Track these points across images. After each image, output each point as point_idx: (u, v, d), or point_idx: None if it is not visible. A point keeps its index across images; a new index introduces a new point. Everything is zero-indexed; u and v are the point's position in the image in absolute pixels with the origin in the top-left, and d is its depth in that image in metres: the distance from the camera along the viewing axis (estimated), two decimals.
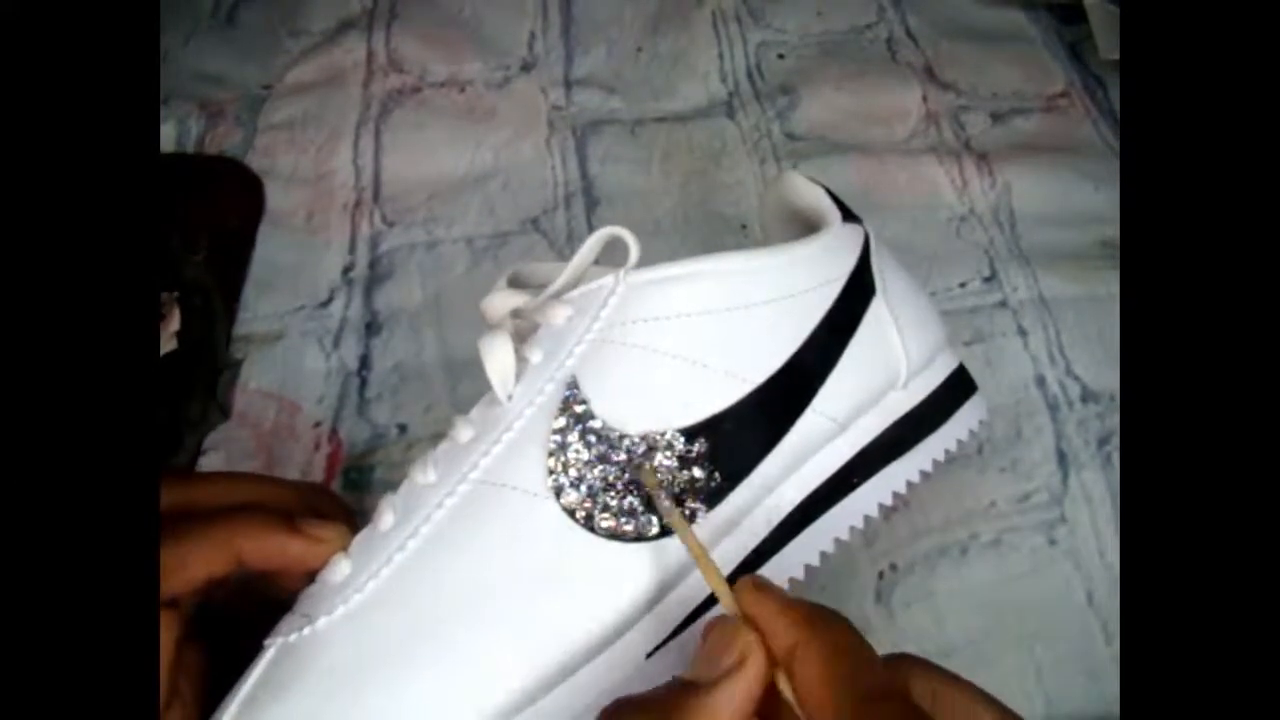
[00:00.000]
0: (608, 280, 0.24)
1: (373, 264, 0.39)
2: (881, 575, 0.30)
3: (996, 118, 0.45)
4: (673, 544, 0.23)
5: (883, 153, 0.43)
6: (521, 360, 0.24)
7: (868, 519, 0.27)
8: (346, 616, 0.22)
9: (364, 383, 0.35)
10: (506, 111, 0.45)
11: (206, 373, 0.35)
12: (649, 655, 0.23)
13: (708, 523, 0.24)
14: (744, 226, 0.40)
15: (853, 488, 0.26)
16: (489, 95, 0.46)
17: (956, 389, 0.30)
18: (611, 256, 0.26)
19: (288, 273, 0.39)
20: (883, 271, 0.28)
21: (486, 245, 0.40)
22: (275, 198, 0.41)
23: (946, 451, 0.29)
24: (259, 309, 0.38)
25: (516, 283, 0.27)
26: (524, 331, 0.25)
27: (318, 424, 0.34)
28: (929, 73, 0.47)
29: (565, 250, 0.40)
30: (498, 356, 0.24)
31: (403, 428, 0.34)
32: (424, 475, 0.24)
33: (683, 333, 0.24)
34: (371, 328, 0.37)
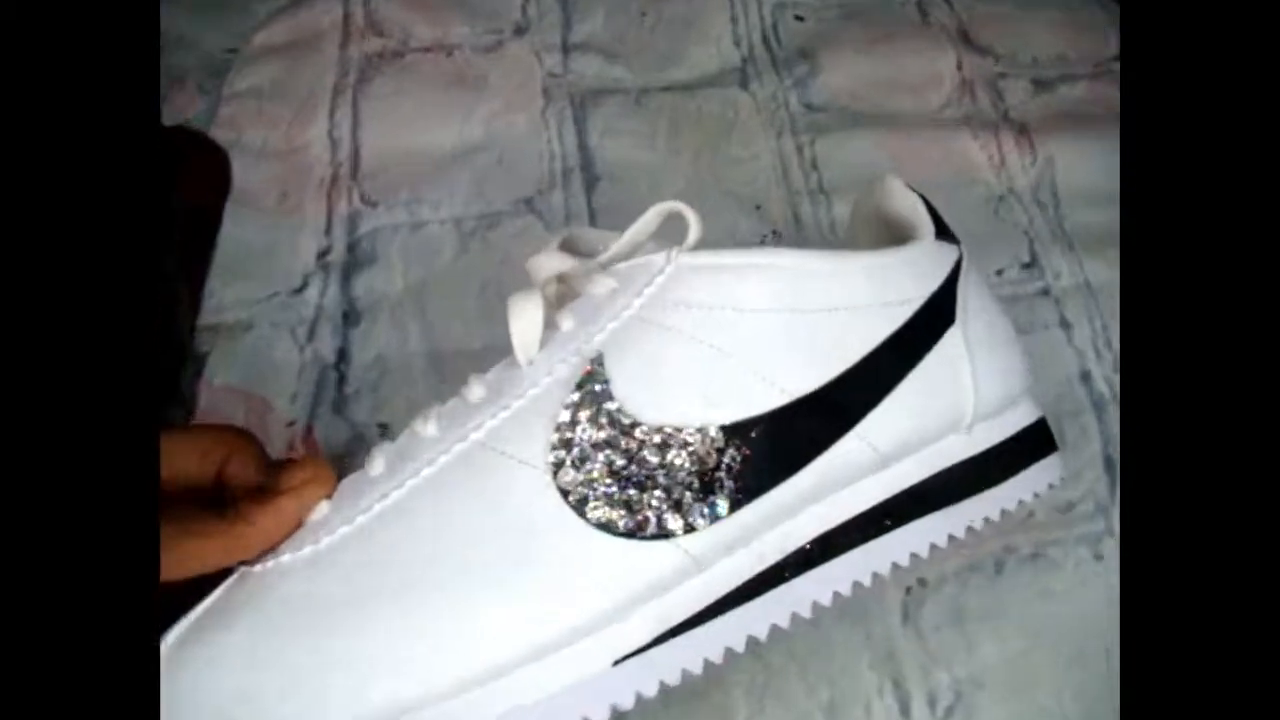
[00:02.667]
0: (658, 258, 0.24)
1: (351, 247, 0.38)
2: (909, 591, 0.29)
3: (1039, 85, 0.43)
4: (667, 550, 0.23)
5: (912, 125, 0.42)
6: (550, 326, 0.24)
7: (895, 566, 0.26)
8: (314, 554, 0.22)
9: (341, 378, 0.35)
10: (498, 79, 0.44)
11: (167, 367, 0.34)
12: (616, 663, 0.22)
13: (710, 533, 0.23)
14: (759, 207, 0.39)
15: (886, 530, 0.25)
16: (479, 61, 0.45)
17: (1031, 445, 0.28)
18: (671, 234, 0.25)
19: (257, 257, 0.38)
20: (968, 301, 0.27)
21: (475, 227, 0.39)
22: (242, 174, 0.41)
23: (1003, 511, 0.27)
24: (225, 297, 0.37)
25: (569, 247, 0.27)
26: (564, 298, 0.25)
27: (291, 423, 0.33)
28: (964, 36, 0.46)
29: None
30: (526, 317, 0.24)
31: (384, 427, 0.33)
32: (425, 428, 0.24)
33: (726, 326, 0.24)
34: (349, 318, 0.36)
